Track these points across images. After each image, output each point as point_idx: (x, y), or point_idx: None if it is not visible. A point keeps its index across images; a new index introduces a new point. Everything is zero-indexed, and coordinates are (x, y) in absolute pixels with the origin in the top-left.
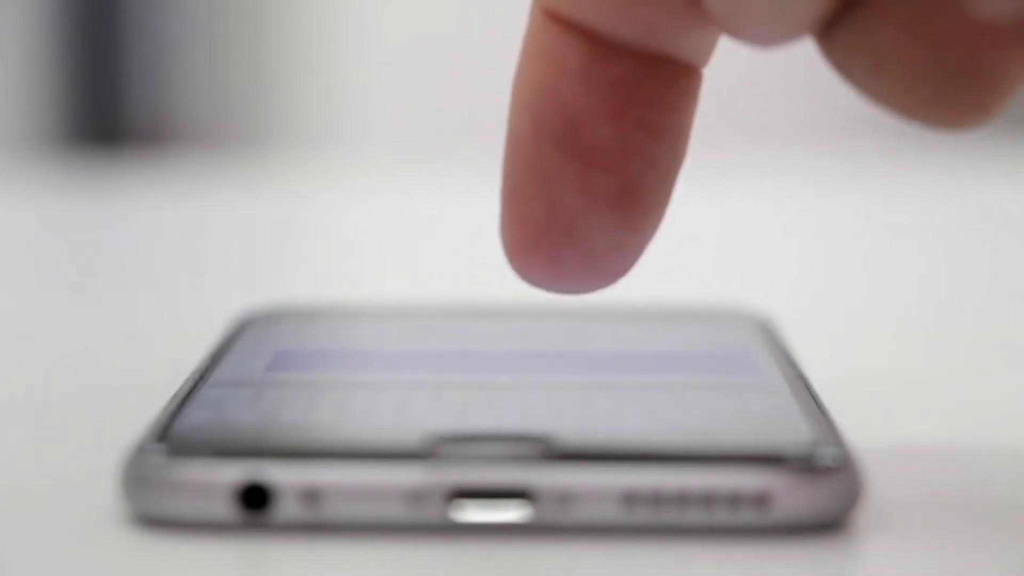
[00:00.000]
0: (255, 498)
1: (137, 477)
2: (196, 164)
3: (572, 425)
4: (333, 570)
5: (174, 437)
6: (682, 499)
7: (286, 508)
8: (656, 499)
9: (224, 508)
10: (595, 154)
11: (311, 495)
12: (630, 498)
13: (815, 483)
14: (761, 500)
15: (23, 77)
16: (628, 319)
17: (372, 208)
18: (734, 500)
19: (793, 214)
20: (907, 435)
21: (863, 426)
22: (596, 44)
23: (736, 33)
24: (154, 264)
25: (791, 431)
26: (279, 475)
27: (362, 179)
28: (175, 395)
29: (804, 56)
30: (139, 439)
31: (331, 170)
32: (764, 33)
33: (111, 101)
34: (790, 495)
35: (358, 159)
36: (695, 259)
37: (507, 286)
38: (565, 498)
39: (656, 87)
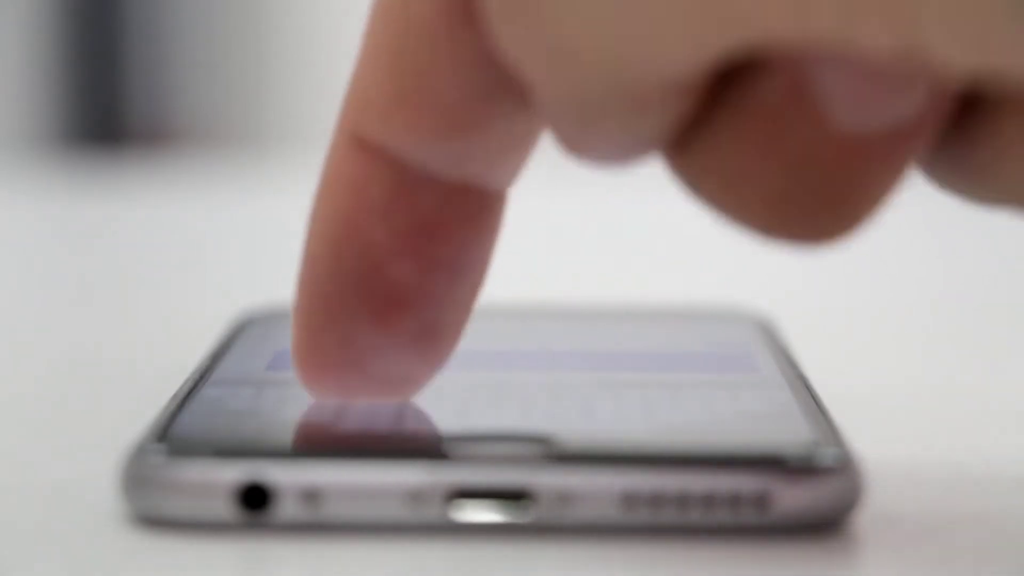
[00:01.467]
0: (255, 498)
1: (137, 477)
2: (196, 164)
3: (572, 425)
4: (333, 570)
5: (174, 437)
6: (682, 500)
7: (286, 508)
8: (656, 500)
9: (224, 508)
10: (395, 295)
11: (311, 495)
12: (630, 498)
13: (815, 483)
14: (761, 500)
15: (23, 77)
16: (629, 319)
17: None
18: (734, 500)
19: None
20: (907, 435)
21: (863, 427)
22: (402, 175)
23: (577, 151)
24: (154, 264)
25: (791, 431)
26: (279, 475)
27: None
28: (175, 395)
29: None
30: (139, 439)
31: None
32: (604, 154)
33: (111, 101)
34: (790, 495)
35: None
36: (695, 259)
37: (506, 286)
38: (565, 498)
39: (462, 221)
